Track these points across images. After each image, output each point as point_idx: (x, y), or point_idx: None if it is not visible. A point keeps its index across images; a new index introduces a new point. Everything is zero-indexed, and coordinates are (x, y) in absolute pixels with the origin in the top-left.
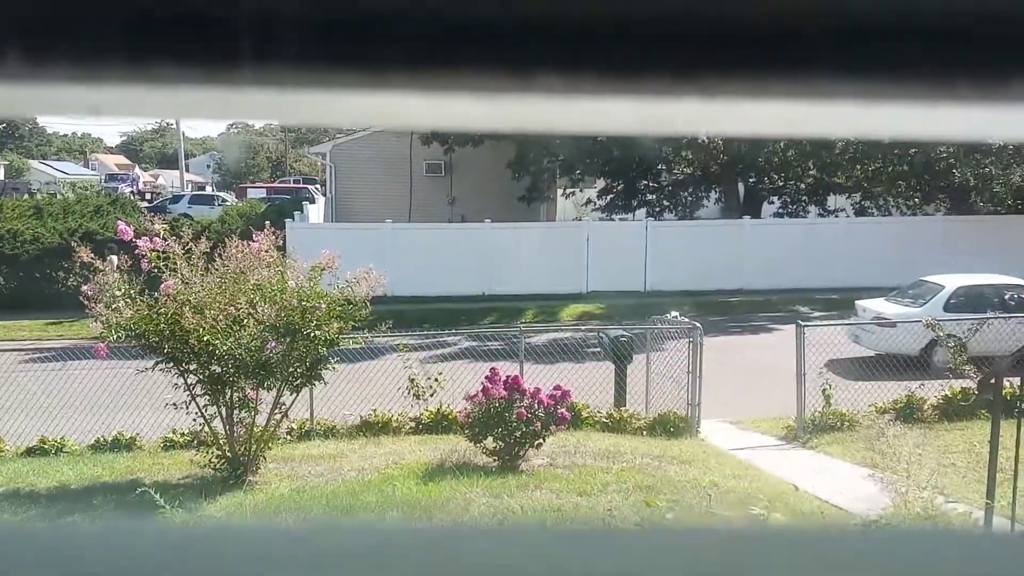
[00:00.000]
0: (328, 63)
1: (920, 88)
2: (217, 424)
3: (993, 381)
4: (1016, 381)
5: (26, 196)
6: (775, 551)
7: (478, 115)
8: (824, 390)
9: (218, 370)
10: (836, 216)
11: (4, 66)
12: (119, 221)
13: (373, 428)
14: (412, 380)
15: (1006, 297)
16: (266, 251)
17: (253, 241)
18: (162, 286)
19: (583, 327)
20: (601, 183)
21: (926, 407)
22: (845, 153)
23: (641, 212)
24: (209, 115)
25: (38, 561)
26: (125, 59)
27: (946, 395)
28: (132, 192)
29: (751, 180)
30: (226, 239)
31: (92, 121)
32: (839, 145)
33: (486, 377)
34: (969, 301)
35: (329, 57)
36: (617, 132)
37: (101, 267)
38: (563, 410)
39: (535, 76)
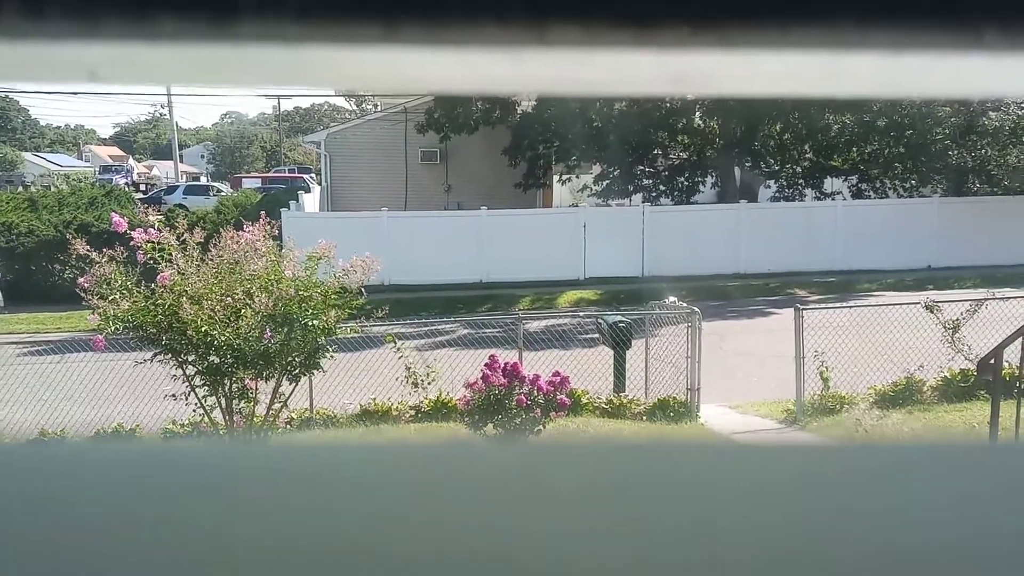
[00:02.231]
0: (336, 15)
1: (949, 37)
2: (217, 415)
3: (992, 362)
4: (1015, 361)
5: (20, 189)
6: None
7: (492, 72)
8: (821, 373)
9: (216, 361)
10: (833, 199)
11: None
12: (113, 213)
13: (373, 417)
14: (408, 368)
15: None
16: (260, 241)
17: (246, 231)
18: (158, 277)
19: (581, 313)
20: (597, 169)
21: (925, 389)
22: (841, 136)
23: (638, 197)
24: (210, 78)
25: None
26: (124, 13)
27: (945, 376)
28: (126, 183)
29: (747, 164)
30: (221, 229)
31: (90, 88)
32: (835, 128)
33: (485, 364)
34: None
35: (337, 8)
36: (635, 91)
37: (97, 259)
38: (563, 396)
39: (550, 27)
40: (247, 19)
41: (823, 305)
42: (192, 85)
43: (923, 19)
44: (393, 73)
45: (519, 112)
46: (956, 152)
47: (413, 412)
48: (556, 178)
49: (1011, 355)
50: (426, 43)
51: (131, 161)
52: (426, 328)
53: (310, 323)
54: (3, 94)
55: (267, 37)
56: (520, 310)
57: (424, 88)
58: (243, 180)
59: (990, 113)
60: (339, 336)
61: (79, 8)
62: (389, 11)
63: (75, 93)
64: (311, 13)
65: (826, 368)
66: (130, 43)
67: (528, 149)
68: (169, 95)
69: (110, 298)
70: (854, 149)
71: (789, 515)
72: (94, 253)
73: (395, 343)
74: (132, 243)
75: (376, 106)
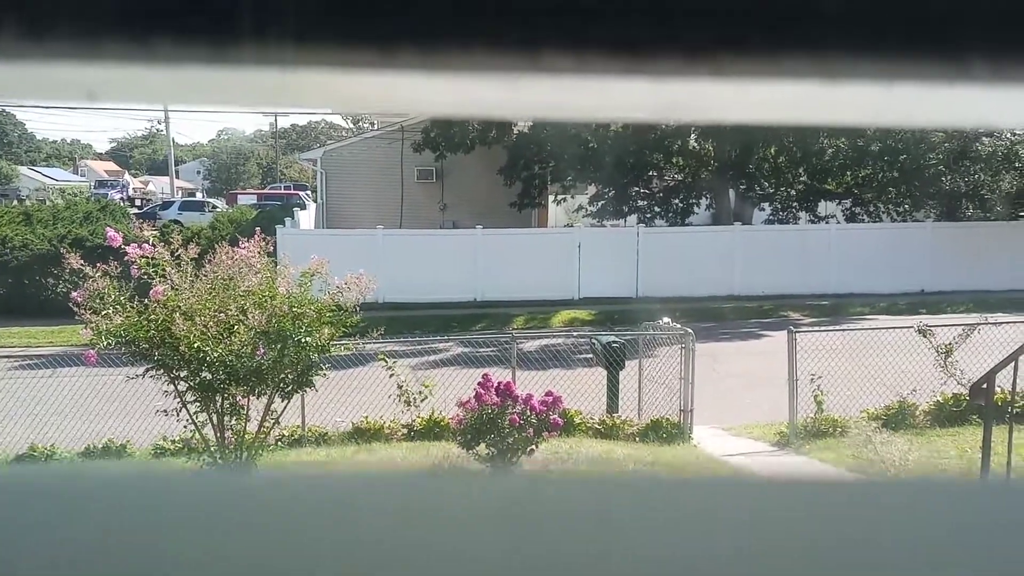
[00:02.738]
0: (333, 40)
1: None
2: (208, 431)
3: (985, 386)
4: (1007, 387)
5: (15, 202)
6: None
7: (486, 97)
8: (815, 396)
9: (208, 377)
10: (827, 223)
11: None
12: (108, 228)
13: (365, 435)
14: (401, 387)
15: None
16: (255, 257)
17: (242, 248)
18: (152, 292)
19: (575, 333)
20: (592, 189)
21: (918, 413)
22: (835, 160)
23: (632, 218)
24: (208, 99)
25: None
26: (124, 36)
27: (938, 401)
28: (122, 198)
29: (742, 187)
30: (216, 245)
31: (89, 105)
32: (829, 152)
33: (478, 383)
34: None
35: (334, 34)
36: (627, 118)
37: (91, 273)
38: (555, 416)
39: (544, 54)
40: (246, 43)
41: (816, 328)
42: (190, 105)
43: (912, 50)
44: (389, 96)
45: (515, 132)
46: (949, 177)
47: (405, 430)
48: (551, 198)
49: (1003, 380)
50: (421, 69)
51: (127, 176)
52: (420, 347)
53: (303, 340)
54: (0, 108)
55: (265, 61)
56: (514, 329)
57: (420, 111)
58: (239, 196)
59: (983, 139)
60: (332, 353)
61: (79, 31)
62: (385, 37)
63: (72, 108)
64: (309, 38)
65: (820, 391)
66: (129, 65)
67: (524, 169)
68: (166, 111)
69: (103, 313)
70: (848, 173)
71: (783, 548)
72: (88, 268)
73: (387, 362)
74: (126, 258)
75: (372, 124)
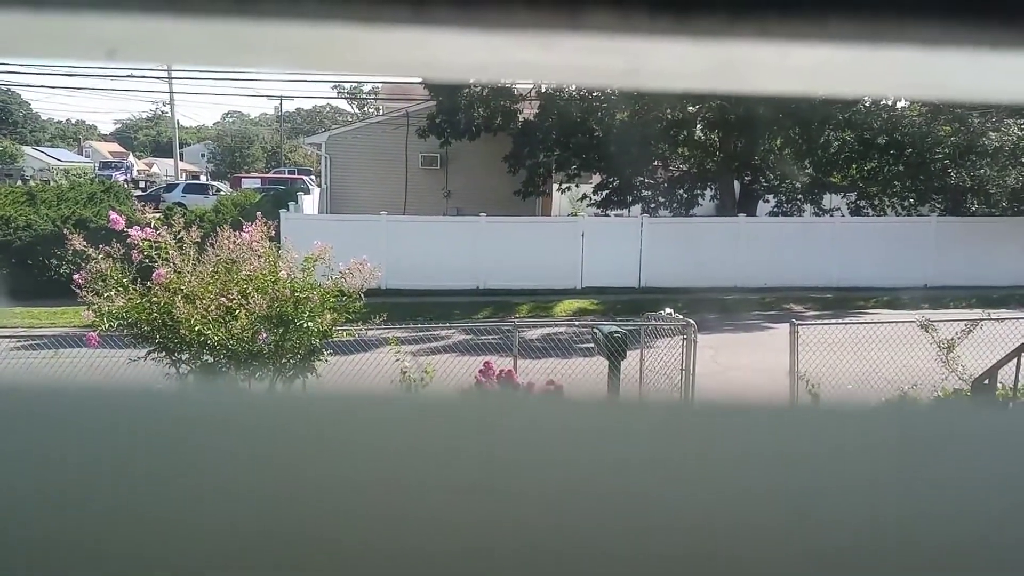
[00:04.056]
0: None
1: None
2: None
3: (987, 382)
4: (1009, 383)
5: (19, 183)
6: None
7: (522, 59)
8: (810, 390)
9: (210, 360)
10: (831, 216)
11: None
12: (111, 211)
13: None
14: (404, 373)
15: None
16: (257, 241)
17: (244, 231)
18: (154, 275)
19: (577, 322)
20: (597, 178)
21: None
22: (841, 152)
23: (636, 208)
24: (230, 57)
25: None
26: None
27: (938, 395)
28: (126, 180)
29: (747, 178)
30: (219, 228)
31: (109, 64)
32: (835, 145)
33: (479, 370)
34: None
35: None
36: (664, 86)
37: (94, 255)
38: None
39: (586, 10)
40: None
41: (818, 322)
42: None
43: (964, 14)
44: (419, 57)
45: (520, 120)
46: (955, 172)
47: None
48: (556, 187)
49: (1005, 376)
50: (455, 24)
51: (131, 158)
52: (422, 333)
53: (305, 325)
54: (5, 87)
55: (290, 14)
56: (516, 318)
57: (449, 75)
58: (243, 180)
59: (990, 133)
60: (335, 339)
61: None
62: None
63: (79, 88)
64: None
65: (819, 385)
66: (151, 16)
67: (528, 157)
68: (171, 93)
69: (105, 295)
70: (853, 166)
71: (780, 473)
72: (91, 249)
73: (398, 348)
74: (128, 240)
75: (378, 110)
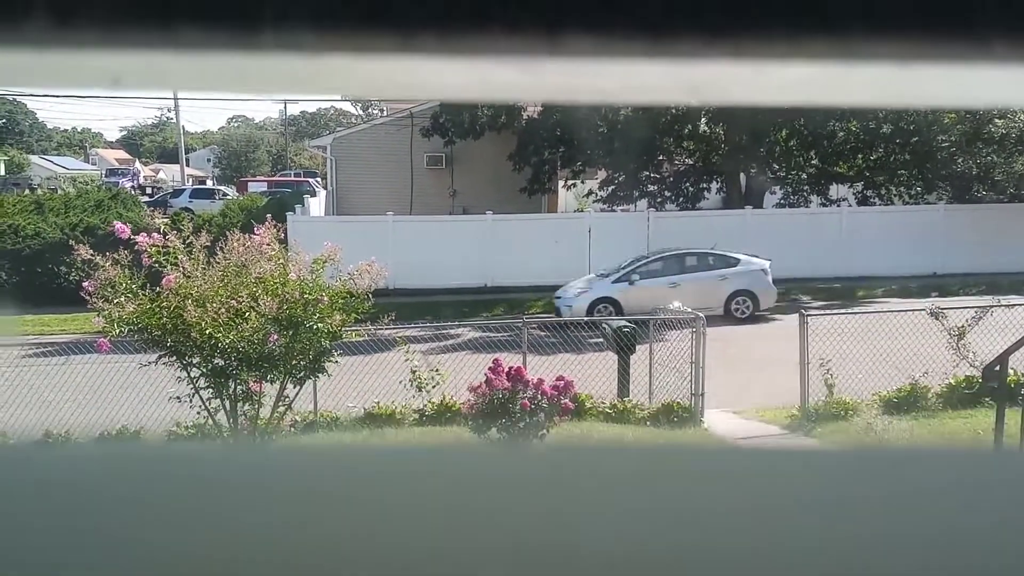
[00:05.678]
0: (351, 26)
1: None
2: (221, 417)
3: (998, 368)
4: (1021, 369)
5: (27, 191)
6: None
7: (506, 81)
8: (826, 379)
9: (221, 363)
10: (838, 206)
11: (28, 30)
12: (115, 222)
13: (377, 420)
14: (414, 372)
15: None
16: (267, 244)
17: (255, 234)
18: (164, 280)
19: (585, 318)
20: (602, 174)
21: (930, 395)
22: (847, 143)
23: (643, 203)
24: (229, 86)
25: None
26: (148, 22)
27: (950, 383)
28: (133, 187)
29: (753, 170)
30: (227, 232)
31: (113, 93)
32: (841, 135)
33: (489, 368)
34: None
35: (352, 19)
36: (646, 101)
37: (102, 263)
38: (567, 401)
39: (564, 37)
40: (266, 29)
41: (828, 311)
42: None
43: (933, 29)
44: (407, 81)
45: (525, 117)
46: (962, 159)
47: (417, 416)
48: (561, 183)
49: (1016, 362)
50: (440, 53)
51: (137, 164)
52: (431, 332)
53: (315, 326)
54: (12, 98)
55: (285, 47)
56: (525, 314)
57: (438, 96)
58: (249, 184)
59: (996, 120)
60: (345, 340)
61: (104, 18)
62: (404, 22)
63: (83, 97)
64: (328, 24)
65: (831, 375)
66: (153, 52)
67: (533, 154)
68: (176, 99)
69: (115, 301)
70: (860, 156)
71: (791, 519)
72: (98, 257)
73: (407, 346)
74: (136, 247)
75: (382, 111)
